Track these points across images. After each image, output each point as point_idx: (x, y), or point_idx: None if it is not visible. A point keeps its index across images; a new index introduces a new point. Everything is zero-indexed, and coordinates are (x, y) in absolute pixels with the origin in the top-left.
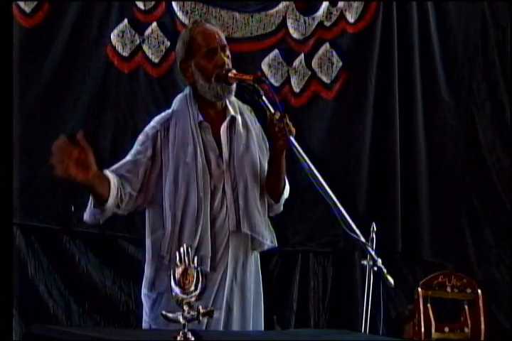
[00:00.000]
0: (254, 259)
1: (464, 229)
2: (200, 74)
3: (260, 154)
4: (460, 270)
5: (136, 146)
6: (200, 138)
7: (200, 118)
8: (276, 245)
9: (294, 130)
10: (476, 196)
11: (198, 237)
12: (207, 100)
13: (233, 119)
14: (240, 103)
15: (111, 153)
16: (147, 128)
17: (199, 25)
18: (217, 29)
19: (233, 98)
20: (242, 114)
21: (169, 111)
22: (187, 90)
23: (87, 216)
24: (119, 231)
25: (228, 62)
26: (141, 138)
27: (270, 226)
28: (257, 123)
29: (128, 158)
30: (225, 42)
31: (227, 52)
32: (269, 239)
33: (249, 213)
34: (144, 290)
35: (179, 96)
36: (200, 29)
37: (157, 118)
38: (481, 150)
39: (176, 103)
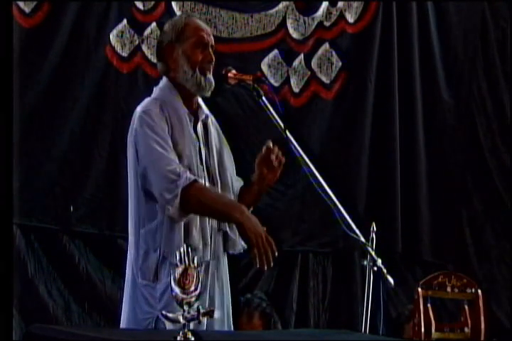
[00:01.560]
0: (225, 260)
1: (464, 228)
2: (186, 60)
3: (231, 159)
4: (460, 270)
5: (161, 136)
6: (191, 130)
7: (186, 110)
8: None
9: (284, 160)
10: (477, 196)
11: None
12: (187, 95)
13: (207, 119)
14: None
15: (109, 153)
16: (143, 114)
17: (194, 17)
18: (208, 28)
19: (203, 104)
20: (211, 118)
21: (151, 98)
22: (165, 82)
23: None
24: (118, 231)
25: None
26: (155, 125)
27: None
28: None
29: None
30: (213, 42)
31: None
32: (243, 242)
33: None
34: (142, 282)
35: (159, 86)
36: (195, 21)
37: (145, 104)
38: (482, 150)
39: (157, 93)
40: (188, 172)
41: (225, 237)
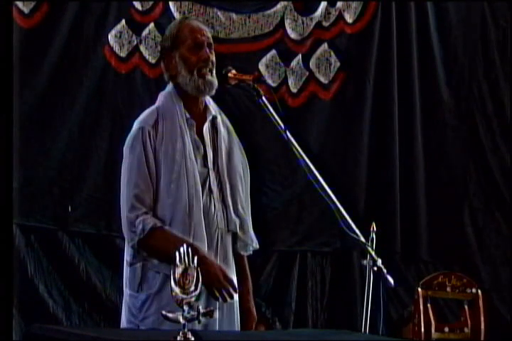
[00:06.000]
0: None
1: (466, 228)
2: (183, 65)
3: (242, 158)
4: (463, 269)
5: (136, 158)
6: (189, 135)
7: (187, 115)
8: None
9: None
10: (478, 196)
11: (192, 233)
12: (190, 98)
13: (214, 119)
14: (219, 110)
15: (108, 153)
16: (136, 132)
17: (188, 20)
18: (205, 27)
19: (213, 103)
20: (221, 117)
21: (153, 108)
22: (169, 87)
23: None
24: (116, 231)
25: (212, 58)
26: (134, 145)
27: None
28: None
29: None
30: (211, 40)
31: (213, 51)
32: (254, 242)
33: (237, 213)
34: (128, 291)
35: (162, 93)
36: (189, 23)
37: (143, 117)
38: (482, 150)
39: (160, 100)
40: (145, 221)
41: (234, 238)
